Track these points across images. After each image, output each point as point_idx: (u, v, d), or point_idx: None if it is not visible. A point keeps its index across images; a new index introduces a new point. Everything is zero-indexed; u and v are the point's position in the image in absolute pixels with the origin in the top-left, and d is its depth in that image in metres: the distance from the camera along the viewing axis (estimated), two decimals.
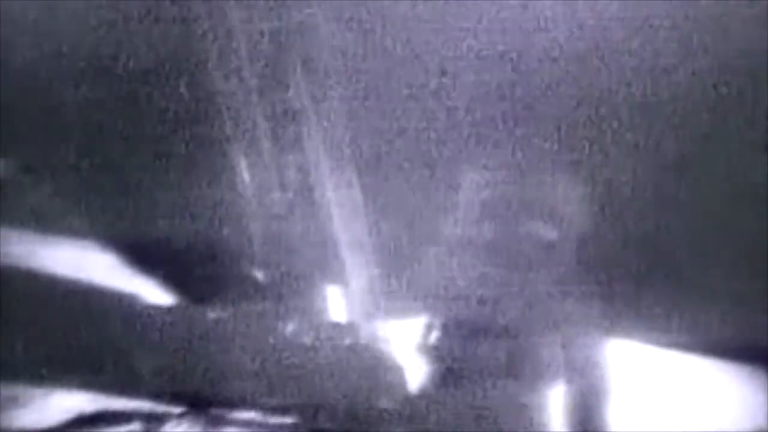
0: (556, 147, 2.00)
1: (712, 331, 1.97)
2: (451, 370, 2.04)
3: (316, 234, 2.08)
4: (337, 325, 2.09)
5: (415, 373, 2.04)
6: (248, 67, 2.05)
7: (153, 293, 2.12)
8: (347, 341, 2.08)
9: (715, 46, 1.93)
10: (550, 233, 2.02)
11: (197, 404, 2.09)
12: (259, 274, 2.11)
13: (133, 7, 2.08)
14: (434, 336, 2.04)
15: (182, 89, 2.08)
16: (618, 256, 2.01)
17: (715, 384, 1.94)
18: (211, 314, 2.11)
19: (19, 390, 2.08)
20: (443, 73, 2.01)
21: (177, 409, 2.08)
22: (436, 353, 2.04)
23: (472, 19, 1.98)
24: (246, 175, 2.08)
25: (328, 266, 2.08)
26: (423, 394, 2.04)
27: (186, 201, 2.10)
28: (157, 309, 2.12)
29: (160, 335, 2.10)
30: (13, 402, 2.08)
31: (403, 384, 2.04)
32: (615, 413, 1.98)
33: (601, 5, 1.95)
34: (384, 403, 2.04)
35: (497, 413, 2.01)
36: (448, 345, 2.04)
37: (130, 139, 2.11)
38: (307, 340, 2.08)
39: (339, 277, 2.08)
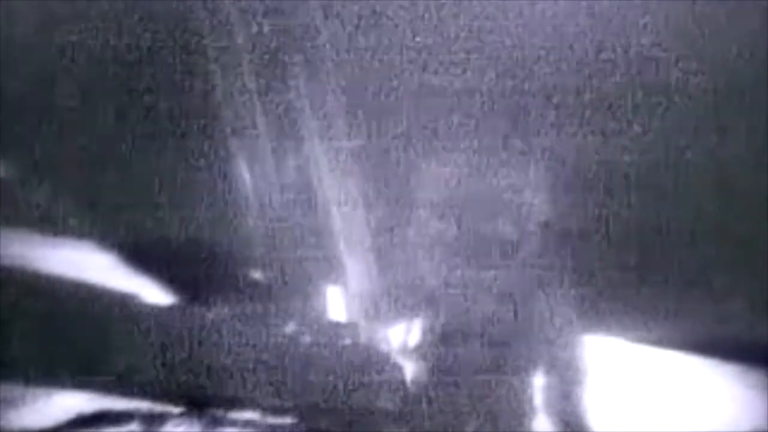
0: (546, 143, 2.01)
1: (707, 329, 1.97)
2: (448, 369, 2.04)
3: (315, 234, 2.08)
4: (336, 325, 2.09)
5: (414, 373, 2.04)
6: (248, 67, 2.05)
7: (153, 293, 2.12)
8: (347, 341, 2.08)
9: (714, 46, 1.93)
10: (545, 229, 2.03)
11: (197, 404, 2.09)
12: (259, 274, 2.11)
13: (133, 7, 2.09)
14: (431, 336, 2.04)
15: (182, 89, 2.08)
16: (606, 253, 2.02)
17: (714, 384, 1.94)
18: (211, 314, 2.11)
19: (19, 390, 2.08)
20: (443, 73, 2.01)
21: (177, 409, 2.08)
22: (432, 353, 2.04)
23: (469, 19, 1.98)
24: (246, 175, 2.08)
25: (327, 266, 2.08)
26: (422, 394, 2.04)
27: (186, 201, 2.10)
28: (157, 309, 2.11)
29: (160, 335, 2.10)
30: (13, 402, 2.08)
31: (401, 384, 2.04)
32: (612, 413, 1.98)
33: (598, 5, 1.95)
34: (383, 402, 2.04)
35: (495, 413, 2.01)
36: (446, 345, 2.04)
37: (130, 139, 2.11)
38: (307, 340, 2.08)
39: (338, 277, 2.08)
